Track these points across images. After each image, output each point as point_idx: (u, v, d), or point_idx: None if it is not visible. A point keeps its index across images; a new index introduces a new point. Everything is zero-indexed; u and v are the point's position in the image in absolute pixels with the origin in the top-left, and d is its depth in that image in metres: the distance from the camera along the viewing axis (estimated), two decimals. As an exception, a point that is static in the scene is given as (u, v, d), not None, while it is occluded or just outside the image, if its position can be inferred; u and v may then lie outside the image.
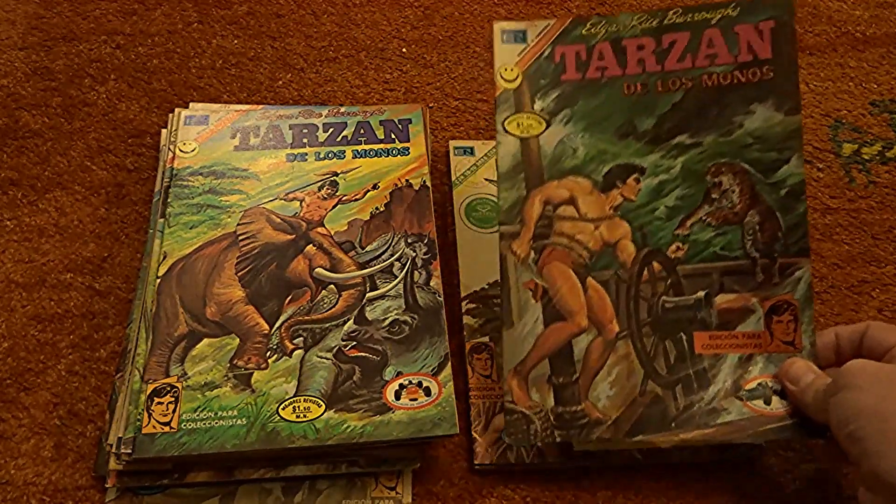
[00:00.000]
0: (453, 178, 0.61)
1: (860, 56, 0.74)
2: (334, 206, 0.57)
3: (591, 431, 0.45)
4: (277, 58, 0.70)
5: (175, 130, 0.60)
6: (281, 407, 0.48)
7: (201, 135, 0.59)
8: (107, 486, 0.47)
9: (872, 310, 0.59)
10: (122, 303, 0.56)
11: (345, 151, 0.60)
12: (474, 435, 0.50)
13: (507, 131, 0.48)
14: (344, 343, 0.51)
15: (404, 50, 0.72)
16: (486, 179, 0.61)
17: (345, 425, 0.47)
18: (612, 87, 0.48)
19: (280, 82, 0.68)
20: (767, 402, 0.45)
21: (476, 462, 0.49)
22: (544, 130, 0.49)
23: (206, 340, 0.50)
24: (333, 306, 0.53)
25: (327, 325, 0.52)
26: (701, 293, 0.47)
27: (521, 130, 0.49)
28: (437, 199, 0.61)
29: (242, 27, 0.72)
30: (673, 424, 0.45)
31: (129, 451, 0.46)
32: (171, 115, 0.62)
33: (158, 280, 0.52)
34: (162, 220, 0.55)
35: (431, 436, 0.46)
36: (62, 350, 0.54)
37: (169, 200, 0.56)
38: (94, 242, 0.58)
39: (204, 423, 0.47)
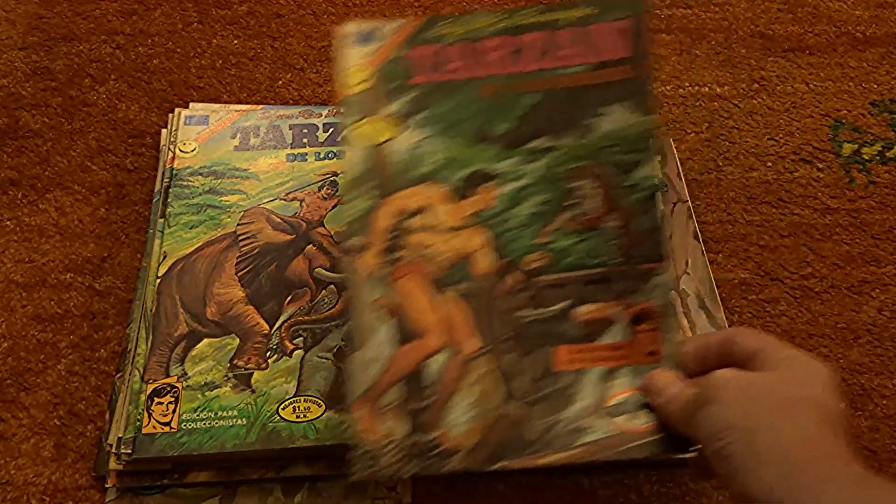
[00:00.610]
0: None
1: (860, 56, 0.74)
2: (334, 206, 0.57)
3: (446, 461, 0.40)
4: (277, 58, 0.70)
5: (175, 130, 0.60)
6: (281, 407, 0.48)
7: (201, 135, 0.59)
8: (107, 486, 0.47)
9: (872, 310, 0.59)
10: (122, 303, 0.56)
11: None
12: None
13: (354, 138, 0.45)
14: (344, 343, 0.51)
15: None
16: None
17: (345, 425, 0.47)
18: (466, 89, 0.46)
19: (280, 82, 0.68)
20: (633, 418, 0.41)
21: None
22: (395, 136, 0.46)
23: (206, 340, 0.50)
24: (333, 306, 0.53)
25: (327, 325, 0.52)
26: (561, 304, 0.44)
27: (370, 136, 0.45)
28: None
29: (242, 27, 0.72)
30: (534, 448, 0.41)
31: (129, 451, 0.46)
32: (171, 115, 0.62)
33: (158, 280, 0.53)
34: (162, 220, 0.55)
35: None
36: (62, 350, 0.54)
37: (169, 200, 0.56)
38: (94, 242, 0.58)
39: (204, 423, 0.47)
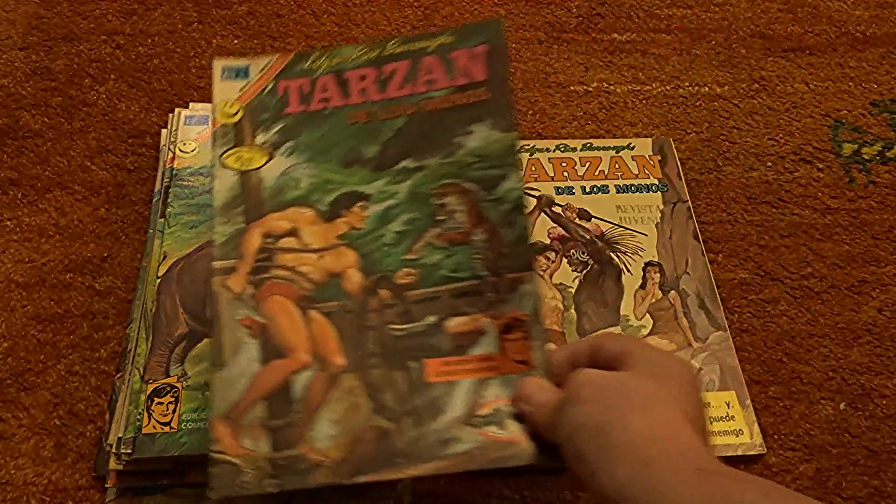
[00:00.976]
0: None
1: (860, 56, 0.74)
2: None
3: (309, 476, 0.40)
4: (277, 58, 0.70)
5: (175, 130, 0.60)
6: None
7: (201, 135, 0.59)
8: (107, 486, 0.47)
9: (872, 310, 0.59)
10: (122, 303, 0.56)
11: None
12: None
13: (224, 165, 0.47)
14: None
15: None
16: None
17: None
18: (335, 118, 0.48)
19: (280, 82, 0.68)
20: (502, 427, 0.41)
21: None
22: (266, 163, 0.47)
23: (206, 340, 0.50)
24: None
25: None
26: (432, 318, 0.44)
27: (240, 164, 0.47)
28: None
29: (242, 27, 0.72)
30: (401, 459, 0.40)
31: (129, 451, 0.46)
32: (171, 115, 0.62)
33: (158, 280, 0.52)
34: (162, 220, 0.55)
35: None
36: (62, 350, 0.54)
37: (169, 200, 0.56)
38: (94, 242, 0.58)
39: (204, 424, 0.47)
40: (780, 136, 0.68)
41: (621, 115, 0.68)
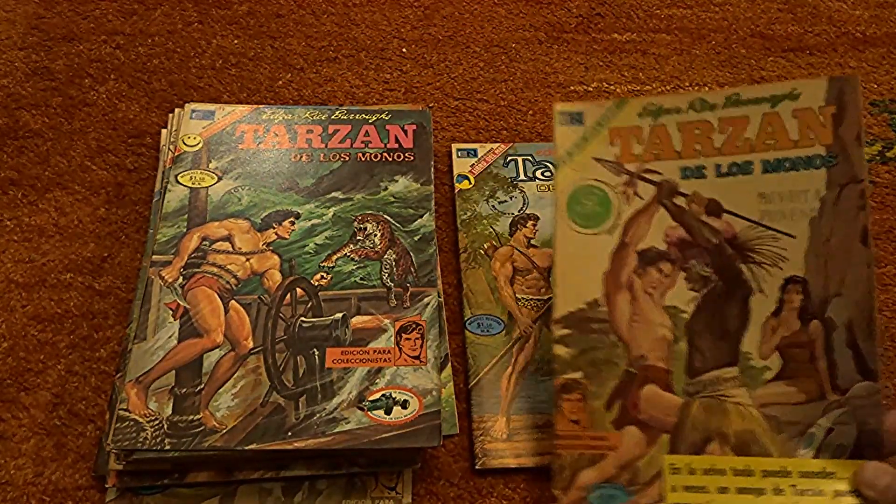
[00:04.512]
0: (557, 156, 0.50)
1: (860, 56, 0.74)
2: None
3: (204, 440, 0.45)
4: (277, 58, 0.70)
5: (175, 130, 0.60)
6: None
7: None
8: (107, 486, 0.47)
9: (872, 310, 0.59)
10: (122, 303, 0.56)
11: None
12: (556, 493, 0.45)
13: (178, 182, 0.56)
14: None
15: (404, 50, 0.72)
16: (597, 159, 0.49)
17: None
18: (281, 155, 0.58)
19: (280, 82, 0.68)
20: (388, 412, 0.46)
21: None
22: (215, 183, 0.56)
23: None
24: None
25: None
26: (338, 314, 0.51)
27: (192, 182, 0.56)
28: (438, 199, 0.61)
29: (242, 27, 0.72)
30: (290, 433, 0.46)
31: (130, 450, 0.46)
32: (170, 115, 0.63)
33: (158, 280, 0.53)
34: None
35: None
36: (62, 350, 0.54)
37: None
38: (94, 242, 0.58)
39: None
40: (780, 136, 0.68)
41: (621, 115, 0.68)
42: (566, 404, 0.46)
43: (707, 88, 0.71)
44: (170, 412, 0.46)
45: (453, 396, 0.51)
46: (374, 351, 0.49)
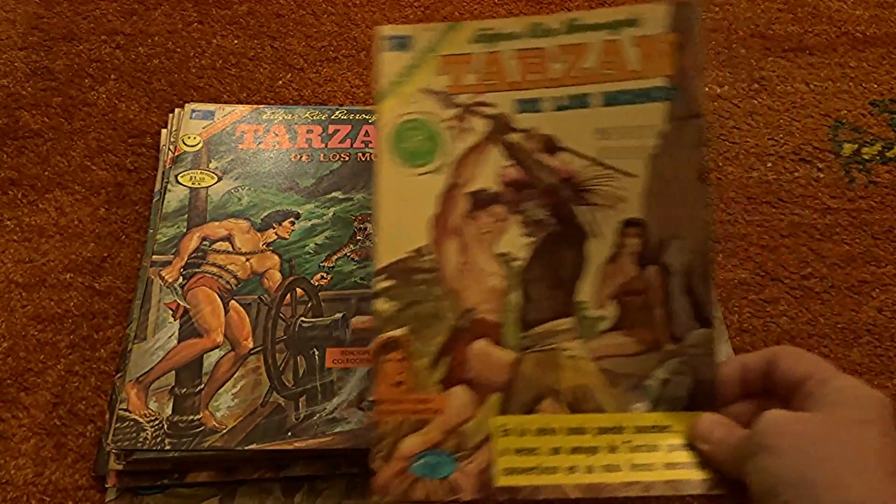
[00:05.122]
0: (380, 87, 0.44)
1: (860, 56, 0.74)
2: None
3: (204, 440, 0.45)
4: (277, 58, 0.70)
5: (175, 130, 0.60)
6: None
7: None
8: (107, 486, 0.47)
9: (872, 310, 0.59)
10: (122, 303, 0.56)
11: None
12: (376, 464, 0.40)
13: (178, 182, 0.56)
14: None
15: (404, 50, 0.72)
16: (425, 90, 0.44)
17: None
18: (281, 155, 0.58)
19: (280, 82, 0.68)
20: None
21: (375, 497, 0.40)
22: (215, 183, 0.56)
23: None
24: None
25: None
26: (338, 314, 0.51)
27: (192, 182, 0.56)
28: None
29: (242, 27, 0.72)
30: (290, 433, 0.46)
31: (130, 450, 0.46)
32: (170, 115, 0.63)
33: (158, 280, 0.53)
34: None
35: None
36: (62, 350, 0.54)
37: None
38: (94, 242, 0.58)
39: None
40: (780, 136, 0.68)
41: (621, 115, 0.68)
42: (387, 365, 0.41)
43: (707, 88, 0.71)
44: (170, 412, 0.47)
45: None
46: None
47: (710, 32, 0.75)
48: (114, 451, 0.46)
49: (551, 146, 0.43)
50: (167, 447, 0.45)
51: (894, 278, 0.60)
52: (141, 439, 0.45)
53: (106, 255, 0.58)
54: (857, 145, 0.68)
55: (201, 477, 0.47)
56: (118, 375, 0.52)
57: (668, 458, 0.39)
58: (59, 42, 0.69)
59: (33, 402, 0.51)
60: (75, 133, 0.64)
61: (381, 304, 0.42)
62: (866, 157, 0.67)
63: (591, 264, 0.42)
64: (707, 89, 0.71)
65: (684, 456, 0.39)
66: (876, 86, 0.72)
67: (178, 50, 0.70)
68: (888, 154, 0.67)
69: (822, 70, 0.72)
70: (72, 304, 0.56)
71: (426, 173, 0.43)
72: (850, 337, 0.58)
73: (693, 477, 0.39)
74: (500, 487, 0.39)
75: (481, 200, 0.43)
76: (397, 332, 0.42)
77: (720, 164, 0.66)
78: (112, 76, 0.68)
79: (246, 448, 0.45)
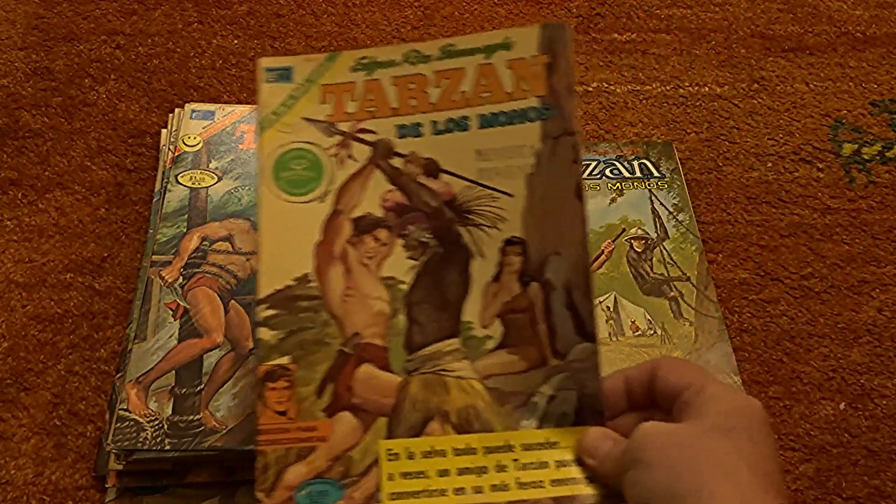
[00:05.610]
0: (261, 117, 0.44)
1: (860, 56, 0.74)
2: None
3: (204, 440, 0.45)
4: (277, 58, 0.70)
5: (175, 130, 0.60)
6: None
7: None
8: (107, 486, 0.47)
9: (872, 310, 0.59)
10: (122, 303, 0.56)
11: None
12: (259, 496, 0.39)
13: (178, 182, 0.56)
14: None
15: (404, 50, 0.72)
16: (307, 119, 0.45)
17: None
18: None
19: (280, 82, 0.68)
20: None
21: None
22: (215, 183, 0.56)
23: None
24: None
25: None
26: None
27: (192, 182, 0.56)
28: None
29: (242, 27, 0.72)
30: None
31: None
32: (170, 115, 0.63)
33: (158, 280, 0.53)
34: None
35: None
36: (62, 350, 0.54)
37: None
38: (94, 242, 0.58)
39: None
40: (780, 136, 0.68)
41: (621, 115, 0.68)
42: (270, 394, 0.41)
43: (707, 88, 0.71)
44: (170, 412, 0.47)
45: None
46: None
47: (710, 32, 0.75)
48: (114, 451, 0.46)
49: (432, 169, 0.44)
50: (167, 447, 0.45)
51: (894, 278, 0.60)
52: (141, 439, 0.45)
53: (106, 255, 0.58)
54: (857, 145, 0.68)
55: (201, 477, 0.47)
56: (118, 375, 0.52)
57: (556, 474, 0.39)
58: (59, 42, 0.69)
59: (33, 402, 0.51)
60: (75, 133, 0.64)
61: (265, 334, 0.41)
62: (866, 157, 0.67)
63: (475, 284, 0.43)
64: (707, 89, 0.71)
65: (573, 472, 0.39)
66: (876, 86, 0.72)
67: (178, 50, 0.70)
68: (888, 154, 0.68)
69: (822, 70, 0.72)
70: (72, 304, 0.56)
71: (310, 201, 0.44)
72: (850, 337, 0.58)
73: (581, 492, 0.38)
74: None
75: (364, 225, 0.43)
76: (282, 360, 0.41)
77: (720, 164, 0.66)
78: (112, 76, 0.68)
79: (246, 448, 0.45)
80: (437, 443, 0.40)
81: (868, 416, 0.54)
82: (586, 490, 0.38)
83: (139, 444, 0.45)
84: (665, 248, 0.60)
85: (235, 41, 0.71)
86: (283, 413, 0.41)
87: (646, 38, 0.74)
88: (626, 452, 0.35)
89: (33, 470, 0.49)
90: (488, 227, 0.43)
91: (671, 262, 0.60)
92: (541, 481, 0.39)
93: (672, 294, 0.58)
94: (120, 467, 0.46)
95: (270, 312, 0.42)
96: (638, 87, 0.71)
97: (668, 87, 0.71)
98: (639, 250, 0.60)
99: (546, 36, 0.43)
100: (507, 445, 0.40)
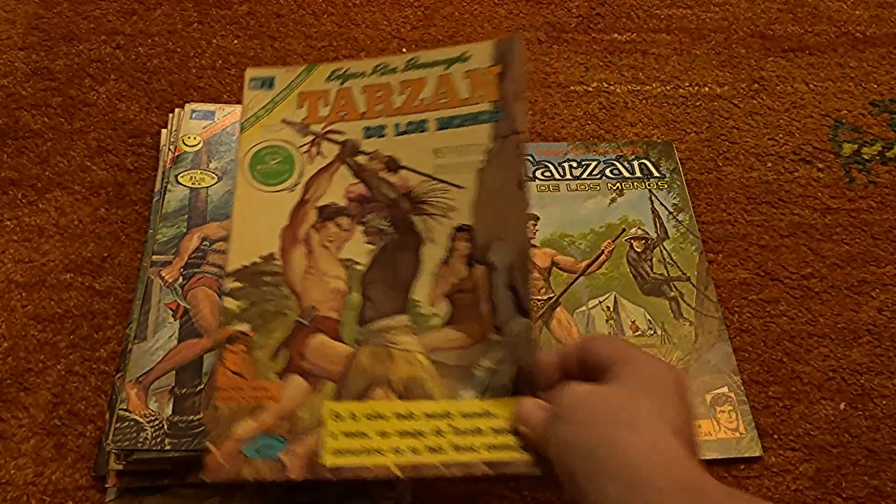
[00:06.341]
0: (243, 119, 0.51)
1: (860, 56, 0.74)
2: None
3: (205, 440, 0.43)
4: (277, 58, 0.70)
5: (175, 130, 0.60)
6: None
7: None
8: (107, 486, 0.47)
9: (872, 310, 0.59)
10: (122, 303, 0.56)
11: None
12: (209, 445, 0.42)
13: (178, 182, 0.56)
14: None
15: (404, 50, 0.72)
16: (286, 121, 0.51)
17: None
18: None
19: (280, 82, 0.68)
20: None
21: (204, 477, 0.41)
22: (215, 183, 0.57)
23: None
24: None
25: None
26: None
27: (192, 182, 0.56)
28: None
29: (242, 27, 0.72)
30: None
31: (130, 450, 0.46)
32: (171, 115, 0.62)
33: (158, 280, 0.53)
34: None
35: None
36: (62, 350, 0.54)
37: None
38: (94, 242, 0.58)
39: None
40: (780, 136, 0.68)
41: (621, 115, 0.68)
42: (229, 356, 0.44)
43: (707, 88, 0.71)
44: (170, 412, 0.47)
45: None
46: None
47: (710, 32, 0.75)
48: (114, 451, 0.46)
49: (393, 165, 0.49)
50: (167, 447, 0.45)
51: (894, 278, 0.60)
52: (141, 439, 0.45)
53: (106, 255, 0.58)
54: (857, 145, 0.68)
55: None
56: (118, 375, 0.52)
57: (491, 440, 0.41)
58: (59, 42, 0.69)
59: (33, 402, 0.51)
60: (75, 133, 0.64)
61: (229, 303, 0.46)
62: (866, 157, 0.67)
63: (425, 267, 0.47)
64: (707, 89, 0.71)
65: (506, 439, 0.41)
66: (876, 86, 0.72)
67: (178, 50, 0.70)
68: (888, 154, 0.68)
69: (822, 70, 0.73)
70: (72, 304, 0.56)
71: (280, 191, 0.49)
72: (850, 337, 0.58)
73: (514, 458, 0.41)
74: (328, 467, 0.41)
75: (328, 213, 0.48)
76: (242, 327, 0.45)
77: (720, 164, 0.66)
78: (112, 76, 0.68)
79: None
80: (379, 407, 0.43)
81: (868, 416, 0.54)
82: (519, 456, 0.40)
83: (139, 444, 0.45)
84: (665, 248, 0.60)
85: (235, 41, 0.71)
86: (238, 374, 0.44)
87: (646, 38, 0.74)
88: (551, 413, 0.38)
89: (33, 470, 0.49)
90: (440, 215, 0.48)
91: (671, 262, 0.60)
92: (476, 446, 0.41)
93: (672, 294, 0.58)
94: (120, 467, 0.46)
95: (236, 285, 0.46)
96: (638, 87, 0.71)
97: (668, 87, 0.71)
98: (639, 250, 0.60)
99: (499, 49, 0.49)
100: (445, 413, 0.43)
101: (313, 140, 0.50)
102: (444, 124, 0.50)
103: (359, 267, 0.47)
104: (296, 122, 0.51)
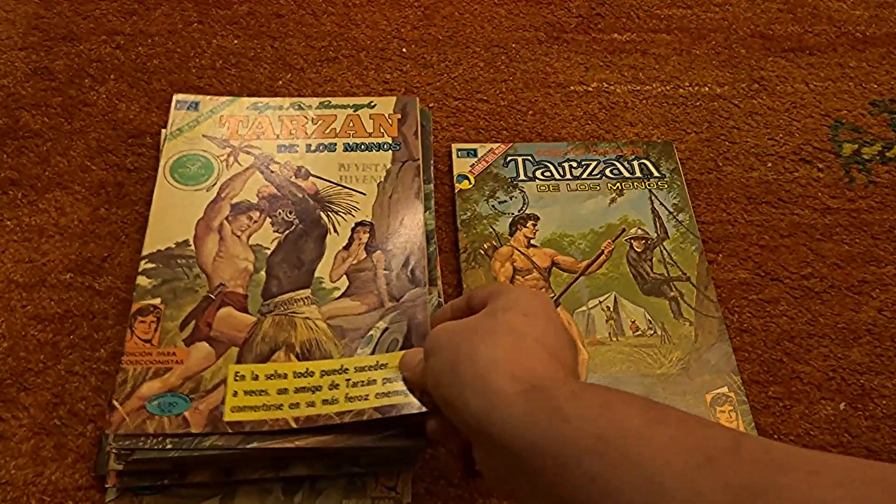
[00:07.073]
0: (168, 131, 0.58)
1: (860, 56, 0.74)
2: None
3: (205, 440, 0.45)
4: (277, 58, 0.70)
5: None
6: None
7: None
8: (107, 486, 0.47)
9: (872, 310, 0.59)
10: (122, 303, 0.56)
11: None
12: (115, 403, 0.45)
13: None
14: None
15: (404, 50, 0.72)
16: (207, 136, 0.58)
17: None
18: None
19: (280, 82, 0.68)
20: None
21: (107, 430, 0.45)
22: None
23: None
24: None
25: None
26: None
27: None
28: (438, 199, 0.61)
29: (242, 27, 0.72)
30: (290, 432, 0.45)
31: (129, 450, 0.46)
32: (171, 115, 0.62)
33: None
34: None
35: None
36: (62, 350, 0.54)
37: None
38: (94, 242, 0.58)
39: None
40: (780, 136, 0.68)
41: (621, 116, 0.68)
42: (139, 325, 0.49)
43: (707, 88, 0.71)
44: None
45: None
46: None
47: (710, 32, 0.75)
48: (114, 451, 0.46)
49: (303, 173, 0.57)
50: (167, 447, 0.45)
51: (894, 278, 0.60)
52: (143, 442, 0.45)
53: (106, 255, 0.58)
54: (857, 145, 0.68)
55: (201, 477, 0.47)
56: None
57: (381, 389, 0.46)
58: (59, 42, 0.69)
59: (33, 402, 0.51)
60: (75, 133, 0.64)
61: (142, 280, 0.51)
62: (866, 157, 0.67)
63: (328, 251, 0.54)
64: (707, 89, 0.71)
65: (396, 386, 0.46)
66: (876, 86, 0.72)
67: (178, 50, 0.70)
68: (888, 154, 0.68)
69: (822, 70, 0.73)
70: (72, 304, 0.56)
71: (198, 190, 0.55)
72: (850, 337, 0.58)
73: (400, 402, 0.45)
74: (228, 422, 0.45)
75: (241, 208, 0.55)
76: (153, 301, 0.50)
77: (720, 164, 0.66)
78: (112, 76, 0.68)
79: (246, 448, 0.45)
80: (279, 367, 0.48)
81: (868, 416, 0.54)
82: (405, 400, 0.45)
83: (139, 444, 0.45)
84: (665, 248, 0.60)
85: (235, 41, 0.71)
86: (147, 341, 0.48)
87: (646, 38, 0.74)
88: (426, 351, 0.40)
89: (33, 470, 0.49)
90: (344, 213, 0.55)
91: (671, 262, 0.60)
92: (367, 395, 0.46)
93: (672, 294, 0.58)
94: (120, 467, 0.46)
95: (150, 265, 0.51)
96: (638, 87, 0.71)
97: (668, 87, 0.71)
98: (639, 250, 0.60)
99: (400, 103, 0.61)
100: (341, 368, 0.47)
101: (231, 151, 0.57)
102: (350, 147, 0.59)
103: (266, 251, 0.53)
104: (216, 136, 0.58)
